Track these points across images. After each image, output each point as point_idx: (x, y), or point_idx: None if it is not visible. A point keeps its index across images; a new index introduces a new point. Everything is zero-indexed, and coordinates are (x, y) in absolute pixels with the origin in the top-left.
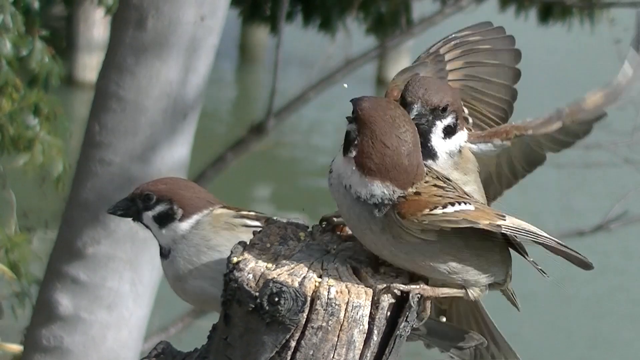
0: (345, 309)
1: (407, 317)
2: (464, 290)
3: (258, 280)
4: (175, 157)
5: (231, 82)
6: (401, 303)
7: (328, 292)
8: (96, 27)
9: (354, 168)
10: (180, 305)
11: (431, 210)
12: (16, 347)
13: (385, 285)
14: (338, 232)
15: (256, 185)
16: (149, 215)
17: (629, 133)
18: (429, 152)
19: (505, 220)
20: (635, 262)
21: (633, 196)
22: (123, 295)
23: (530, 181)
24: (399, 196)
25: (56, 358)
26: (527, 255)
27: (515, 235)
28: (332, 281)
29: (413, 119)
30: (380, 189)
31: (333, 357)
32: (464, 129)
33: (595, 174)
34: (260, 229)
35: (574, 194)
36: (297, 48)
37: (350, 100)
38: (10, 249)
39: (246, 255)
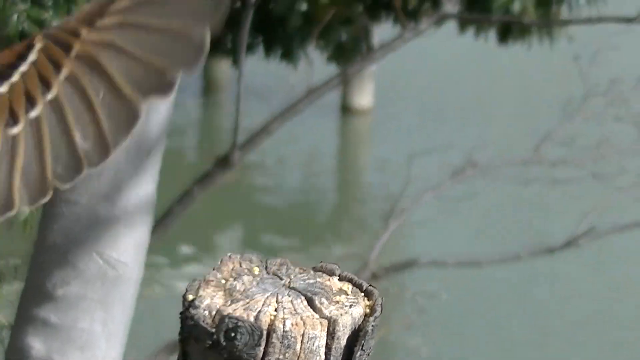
0: (301, 341)
1: (362, 346)
2: None
3: (214, 317)
4: (141, 195)
5: (195, 116)
6: (357, 332)
7: (283, 324)
8: None
9: None
10: (154, 343)
11: None
12: None
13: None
14: (291, 266)
15: (222, 220)
16: None
17: (594, 147)
18: None
19: None
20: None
21: (602, 211)
22: (95, 336)
23: (496, 199)
24: None
25: None
26: None
27: None
28: (287, 314)
29: None
30: None
31: None
32: None
33: (562, 190)
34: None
35: (541, 211)
36: (260, 79)
37: None
38: None
39: (201, 292)
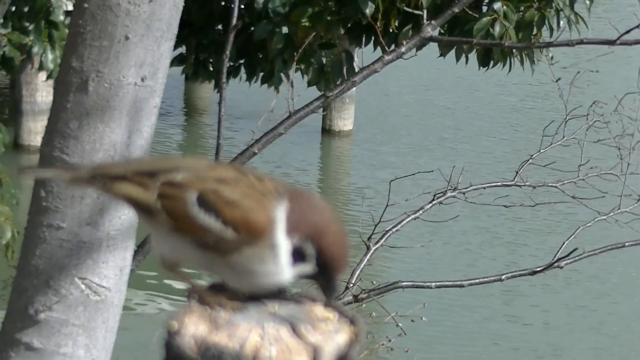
0: None
1: None
2: None
3: (200, 345)
4: (123, 219)
5: (177, 138)
6: (341, 358)
7: (269, 352)
8: (39, 91)
9: None
10: None
11: None
12: None
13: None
14: (275, 293)
15: None
16: None
17: (574, 171)
18: None
19: None
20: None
21: (582, 233)
22: None
23: (477, 222)
24: None
25: None
26: None
27: None
28: (272, 341)
29: None
30: None
31: None
32: None
33: (543, 214)
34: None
35: (523, 233)
36: (243, 101)
37: None
38: None
39: (186, 320)
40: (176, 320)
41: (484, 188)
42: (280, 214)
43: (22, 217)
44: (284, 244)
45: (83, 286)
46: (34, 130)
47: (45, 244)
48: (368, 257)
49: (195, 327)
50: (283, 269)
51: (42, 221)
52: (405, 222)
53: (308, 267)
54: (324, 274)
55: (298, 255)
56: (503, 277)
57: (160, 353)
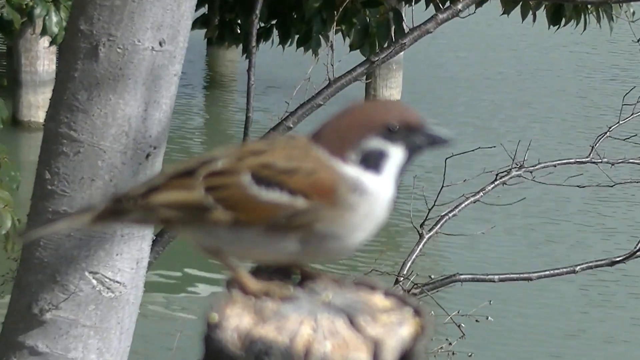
0: None
1: None
2: None
3: (243, 340)
4: None
5: (199, 112)
6: (405, 355)
7: (323, 347)
8: (40, 60)
9: None
10: None
11: None
12: None
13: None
14: (329, 280)
15: None
16: None
17: None
18: None
19: None
20: None
21: None
22: None
23: (545, 205)
24: None
25: None
26: None
27: None
28: (326, 335)
29: None
30: None
31: None
32: None
33: (623, 195)
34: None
35: (599, 217)
36: (275, 68)
37: None
38: None
39: (228, 311)
40: (217, 311)
41: (554, 166)
42: (332, 157)
43: (24, 203)
44: (356, 168)
45: (94, 281)
46: (35, 104)
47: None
48: (421, 246)
49: (238, 319)
50: (380, 195)
51: (47, 207)
52: (463, 205)
53: (394, 156)
54: (410, 138)
55: (371, 158)
56: (577, 268)
57: (199, 349)
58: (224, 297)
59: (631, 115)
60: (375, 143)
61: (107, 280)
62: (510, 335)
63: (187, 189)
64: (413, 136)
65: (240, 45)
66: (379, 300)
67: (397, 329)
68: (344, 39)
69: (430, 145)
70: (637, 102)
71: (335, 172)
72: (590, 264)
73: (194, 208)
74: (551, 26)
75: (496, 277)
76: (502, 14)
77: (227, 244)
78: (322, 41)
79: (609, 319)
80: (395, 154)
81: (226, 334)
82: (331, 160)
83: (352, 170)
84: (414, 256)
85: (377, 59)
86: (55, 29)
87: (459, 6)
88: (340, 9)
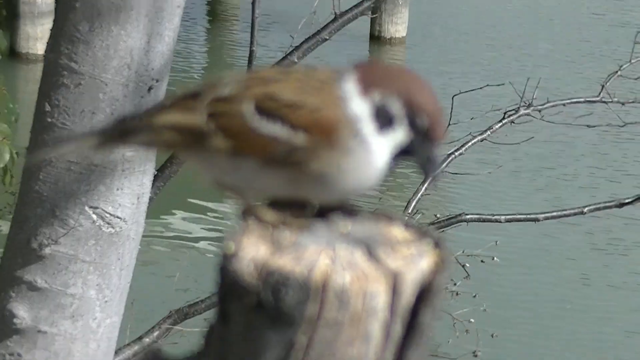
0: (362, 298)
1: (432, 304)
2: None
3: (260, 271)
4: None
5: (202, 46)
6: (424, 289)
7: (341, 278)
8: None
9: None
10: (157, 312)
11: None
12: None
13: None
14: (345, 210)
15: None
16: None
17: None
18: None
19: None
20: None
21: None
22: (88, 303)
23: (553, 146)
24: None
25: None
26: None
27: None
28: (345, 266)
29: None
30: None
31: (353, 352)
32: None
33: (631, 134)
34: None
35: (607, 158)
36: (278, 4)
37: None
38: None
39: (244, 242)
40: (233, 241)
41: (564, 105)
42: (347, 89)
43: (24, 136)
44: (365, 117)
45: (94, 216)
46: (33, 36)
47: (50, 166)
48: (426, 185)
49: (255, 249)
50: (374, 148)
51: (46, 140)
52: (470, 144)
53: (400, 134)
54: (421, 138)
55: (384, 118)
56: (585, 209)
57: (215, 280)
58: (240, 227)
59: None
60: (395, 108)
61: (107, 215)
62: (514, 278)
63: (190, 111)
64: (423, 142)
65: None
66: (398, 232)
67: (417, 262)
68: None
69: (418, 158)
70: None
71: (343, 112)
72: (598, 206)
73: (194, 132)
74: None
75: (502, 217)
76: None
77: (226, 174)
78: None
79: (614, 264)
80: (400, 137)
81: (242, 264)
82: (346, 99)
83: (360, 115)
84: (419, 195)
85: None
86: None
87: None
88: None
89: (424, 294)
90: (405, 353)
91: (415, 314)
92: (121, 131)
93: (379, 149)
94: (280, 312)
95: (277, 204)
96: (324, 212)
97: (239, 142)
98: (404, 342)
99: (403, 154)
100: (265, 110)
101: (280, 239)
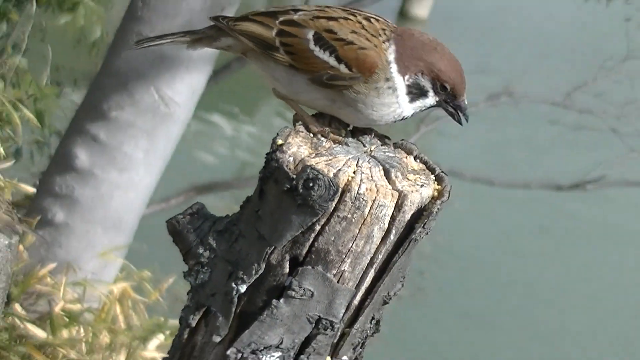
0: (371, 206)
1: (424, 224)
2: None
3: (297, 164)
4: None
5: None
6: (422, 211)
7: (359, 187)
8: None
9: None
10: (185, 180)
11: None
12: (30, 189)
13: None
14: (375, 136)
15: None
16: None
17: (620, 105)
18: None
19: None
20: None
21: (613, 163)
22: (136, 161)
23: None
24: None
25: (65, 205)
26: None
27: None
28: (364, 178)
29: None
30: None
31: (352, 246)
32: None
33: (582, 137)
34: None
35: (558, 151)
36: None
37: None
38: (39, 98)
39: (290, 139)
40: (282, 137)
41: (536, 101)
42: (390, 52)
43: (114, 21)
44: (398, 79)
45: (156, 96)
46: None
47: (131, 50)
48: (416, 137)
49: (297, 148)
50: (400, 101)
51: (132, 28)
52: None
53: (429, 100)
54: (447, 99)
55: (416, 91)
56: (531, 185)
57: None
58: (289, 129)
59: None
60: (425, 84)
61: (166, 97)
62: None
63: (265, 26)
64: (450, 100)
65: None
66: (412, 162)
67: (420, 189)
68: None
69: (451, 114)
70: None
71: (382, 58)
72: (541, 185)
73: (265, 43)
74: None
75: (468, 174)
76: None
77: (282, 85)
78: None
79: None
80: (429, 102)
81: (285, 157)
82: (388, 55)
83: (394, 71)
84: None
85: None
86: None
87: None
88: None
89: (420, 215)
90: (394, 256)
91: (410, 229)
92: (209, 34)
93: (403, 104)
94: (305, 201)
95: (321, 118)
96: (357, 134)
97: (296, 58)
98: (395, 248)
99: (431, 107)
100: (322, 39)
101: (318, 145)
